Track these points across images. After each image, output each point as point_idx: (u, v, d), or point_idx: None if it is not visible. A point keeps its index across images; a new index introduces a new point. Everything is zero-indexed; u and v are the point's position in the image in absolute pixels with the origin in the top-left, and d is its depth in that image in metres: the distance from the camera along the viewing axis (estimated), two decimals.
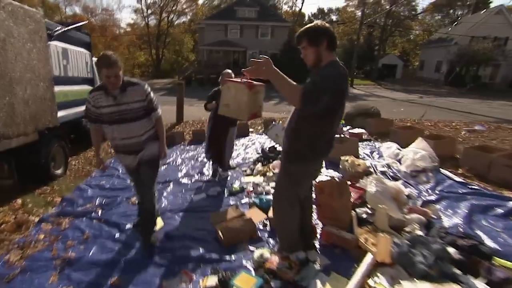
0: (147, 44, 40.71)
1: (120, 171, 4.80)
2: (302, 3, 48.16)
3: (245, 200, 3.47)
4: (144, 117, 2.36)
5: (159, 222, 3.09)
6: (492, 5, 34.26)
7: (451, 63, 25.80)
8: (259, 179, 3.98)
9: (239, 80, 1.90)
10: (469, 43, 24.62)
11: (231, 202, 3.46)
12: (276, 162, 4.25)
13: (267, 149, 5.06)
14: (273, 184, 3.72)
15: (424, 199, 3.16)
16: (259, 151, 5.44)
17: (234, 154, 4.97)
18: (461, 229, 2.56)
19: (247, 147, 5.96)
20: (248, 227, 2.61)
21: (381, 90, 22.86)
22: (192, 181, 4.28)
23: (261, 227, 2.81)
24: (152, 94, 2.40)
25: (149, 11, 39.72)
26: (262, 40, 28.12)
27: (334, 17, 53.28)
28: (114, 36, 36.41)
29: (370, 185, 2.68)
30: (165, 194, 3.86)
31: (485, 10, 29.79)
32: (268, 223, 2.81)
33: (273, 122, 5.01)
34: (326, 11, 55.43)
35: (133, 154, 2.43)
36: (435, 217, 2.74)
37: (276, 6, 44.09)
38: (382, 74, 33.17)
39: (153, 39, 39.59)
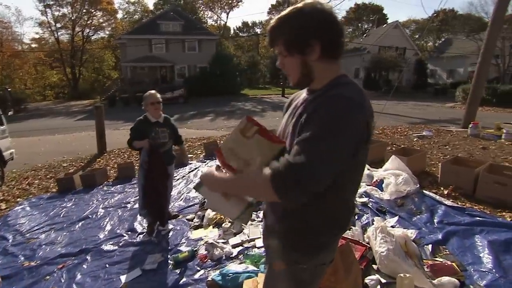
0: (59, 62, 36.02)
1: (10, 242, 3.38)
2: (227, 17, 48.45)
3: (199, 273, 2.48)
4: None
5: None
6: (389, 21, 40.17)
7: (367, 70, 28.98)
8: (212, 233, 3.03)
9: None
10: (378, 52, 28.23)
11: (180, 280, 2.44)
12: None
13: None
14: (233, 240, 2.83)
15: (430, 240, 2.62)
16: None
17: (173, 192, 3.95)
18: None
19: (188, 182, 4.92)
20: None
21: None
22: (120, 245, 3.12)
23: None
24: None
25: (58, 25, 35.36)
26: (189, 54, 27.11)
27: (258, 30, 54.89)
28: (14, 53, 31.09)
29: (378, 242, 2.02)
30: (78, 276, 2.64)
31: (385, 25, 34.74)
32: None
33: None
34: (250, 24, 56.70)
35: None
36: (459, 270, 2.17)
37: (201, 19, 43.48)
38: None
39: (67, 56, 35.23)
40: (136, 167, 5.77)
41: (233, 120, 13.26)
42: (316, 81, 1.05)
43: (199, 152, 6.82)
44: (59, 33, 36.05)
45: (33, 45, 38.66)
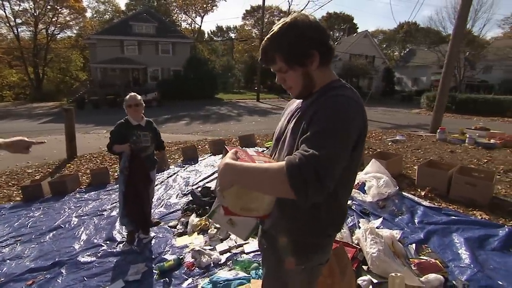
0: (20, 61, 33.70)
1: None
2: (201, 21, 48.15)
3: (187, 282, 2.38)
4: None
5: None
6: (359, 30, 42.14)
7: (338, 76, 30.00)
8: (198, 240, 2.94)
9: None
10: (349, 60, 29.41)
11: None
12: None
13: (198, 190, 4.03)
14: (220, 246, 2.77)
15: (412, 239, 2.73)
16: (186, 192, 4.36)
17: (153, 199, 3.81)
18: (482, 282, 2.15)
19: (168, 187, 4.77)
20: None
21: (286, 103, 24.01)
22: (99, 256, 2.93)
23: None
24: None
25: (19, 21, 33.09)
26: (163, 57, 26.52)
27: (232, 35, 55.07)
28: None
29: (368, 243, 2.06)
30: None
31: (356, 33, 36.38)
32: None
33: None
34: (224, 29, 56.69)
35: None
36: (442, 266, 2.28)
37: (175, 22, 42.79)
38: (283, 88, 35.48)
39: (29, 55, 33.04)
40: (110, 172, 5.52)
41: (209, 124, 13.10)
42: (316, 88, 1.10)
43: (177, 156, 6.65)
44: (19, 30, 33.76)
45: None
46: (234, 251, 2.70)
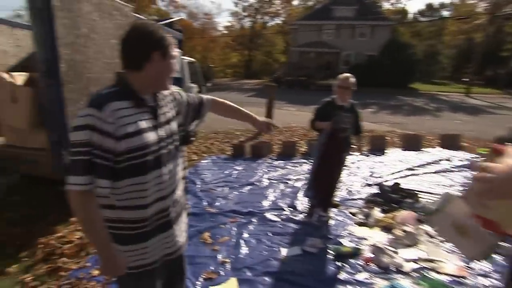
0: (241, 46, 42.22)
1: (198, 188, 4.10)
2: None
3: (362, 275, 2.23)
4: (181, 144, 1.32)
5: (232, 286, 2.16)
6: None
7: None
8: (379, 236, 2.68)
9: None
10: None
11: (341, 275, 2.27)
12: (406, 214, 2.85)
13: (387, 184, 3.66)
14: (406, 253, 2.40)
15: None
16: (370, 182, 4.09)
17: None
18: None
19: (351, 173, 4.63)
20: None
21: None
22: (282, 219, 3.24)
23: None
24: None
25: (245, 14, 41.12)
26: (358, 41, 25.70)
27: (446, 13, 45.94)
28: (211, 39, 38.78)
29: None
30: (245, 234, 2.91)
31: None
32: None
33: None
34: (435, 6, 47.96)
35: (171, 229, 1.22)
36: None
37: (377, 3, 40.05)
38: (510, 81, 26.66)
39: (247, 41, 40.81)
40: (296, 147, 5.98)
41: (398, 115, 11.79)
42: None
43: (362, 144, 6.37)
44: (244, 21, 42.02)
45: (224, 32, 46.74)
46: (422, 264, 2.27)
